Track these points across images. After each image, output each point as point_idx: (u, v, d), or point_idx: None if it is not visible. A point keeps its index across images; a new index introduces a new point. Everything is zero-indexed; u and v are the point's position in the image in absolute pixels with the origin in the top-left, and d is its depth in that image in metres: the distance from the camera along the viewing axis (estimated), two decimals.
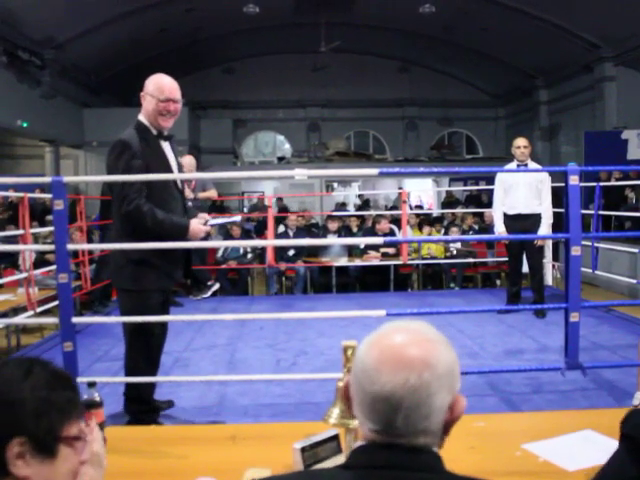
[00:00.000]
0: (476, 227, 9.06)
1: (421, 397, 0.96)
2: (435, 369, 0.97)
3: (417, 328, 1.03)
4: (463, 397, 1.01)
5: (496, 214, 5.97)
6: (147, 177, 2.97)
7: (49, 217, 10.70)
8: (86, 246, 5.55)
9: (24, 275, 5.18)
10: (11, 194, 7.11)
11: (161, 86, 2.99)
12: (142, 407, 3.14)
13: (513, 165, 5.89)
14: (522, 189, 5.72)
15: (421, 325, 1.04)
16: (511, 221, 5.78)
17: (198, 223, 3.07)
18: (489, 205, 12.99)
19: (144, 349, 3.11)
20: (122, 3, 12.80)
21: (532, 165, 5.85)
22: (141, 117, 3.05)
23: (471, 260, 8.25)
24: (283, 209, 12.69)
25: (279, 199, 14.76)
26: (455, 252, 8.46)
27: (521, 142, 5.80)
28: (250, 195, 17.51)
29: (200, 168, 14.85)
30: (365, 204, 15.41)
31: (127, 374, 3.12)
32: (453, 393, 1.00)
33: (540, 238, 7.38)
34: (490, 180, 15.85)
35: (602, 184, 6.76)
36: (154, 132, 3.05)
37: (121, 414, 3.28)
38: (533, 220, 5.69)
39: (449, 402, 0.99)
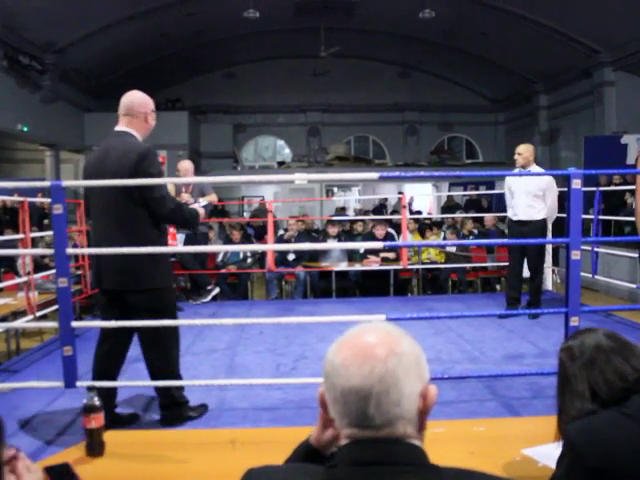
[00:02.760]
0: (476, 232, 9.06)
1: (389, 383, 1.00)
2: (400, 357, 1.02)
3: (381, 326, 1.08)
4: (434, 386, 1.05)
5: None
6: (141, 182, 3.03)
7: (46, 221, 10.69)
8: (86, 250, 5.54)
9: (24, 279, 5.18)
10: (11, 198, 7.11)
11: (149, 100, 3.25)
12: (178, 408, 3.24)
13: (516, 171, 5.94)
14: (522, 196, 5.81)
15: (386, 324, 1.09)
16: (514, 226, 5.91)
17: (198, 207, 3.46)
18: (489, 210, 13.04)
19: (176, 347, 3.26)
20: (123, 8, 12.83)
21: (535, 170, 5.85)
22: (134, 133, 3.19)
23: (469, 265, 8.25)
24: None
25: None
26: (450, 257, 8.48)
27: (517, 149, 5.88)
28: (250, 200, 17.50)
29: (200, 172, 14.87)
30: (378, 209, 15.31)
31: (165, 378, 3.17)
32: (423, 381, 1.04)
33: (540, 243, 7.40)
34: (490, 185, 15.90)
35: (602, 189, 6.77)
36: None
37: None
38: (532, 227, 5.76)
39: (419, 390, 1.03)
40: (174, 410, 3.23)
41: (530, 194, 5.75)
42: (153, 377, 3.21)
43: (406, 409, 1.01)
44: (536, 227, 5.77)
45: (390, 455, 0.99)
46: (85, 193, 3.34)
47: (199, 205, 3.54)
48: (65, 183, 3.19)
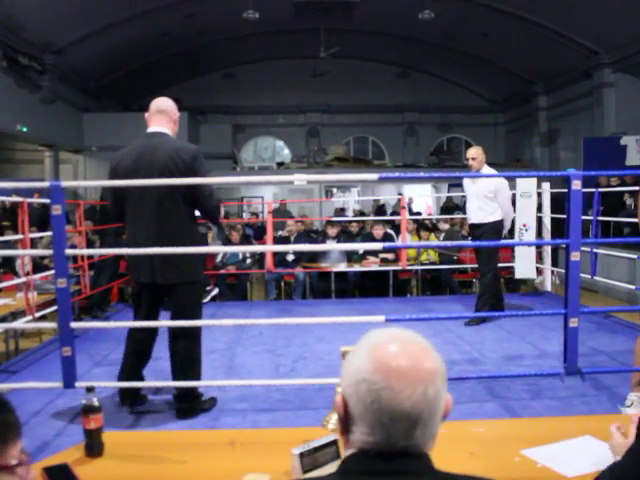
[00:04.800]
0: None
1: (436, 406, 0.99)
2: (441, 375, 1.00)
3: (408, 336, 1.04)
4: (450, 395, 1.04)
5: None
6: (146, 182, 3.09)
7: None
8: (85, 251, 5.54)
9: (23, 280, 5.17)
10: (11, 199, 7.11)
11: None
12: (194, 399, 3.39)
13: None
14: (473, 199, 5.85)
15: (408, 332, 1.05)
16: (470, 229, 6.05)
17: None
18: None
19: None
20: (122, 8, 12.83)
21: (486, 171, 5.82)
22: (170, 133, 3.38)
23: (455, 266, 8.25)
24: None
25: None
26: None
27: (471, 154, 5.86)
28: (249, 201, 17.48)
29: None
30: (378, 211, 15.28)
31: (194, 369, 3.38)
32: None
33: (541, 244, 7.40)
34: None
35: (601, 190, 6.77)
36: None
37: (118, 419, 3.28)
38: (482, 229, 5.78)
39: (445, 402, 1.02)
40: (190, 401, 3.34)
41: (481, 196, 5.76)
42: (180, 366, 3.36)
43: (439, 424, 1.01)
44: (486, 229, 5.75)
45: (404, 465, 0.98)
46: (115, 191, 3.34)
47: None
48: (64, 183, 3.19)
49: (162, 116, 3.32)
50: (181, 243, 3.16)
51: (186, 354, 3.36)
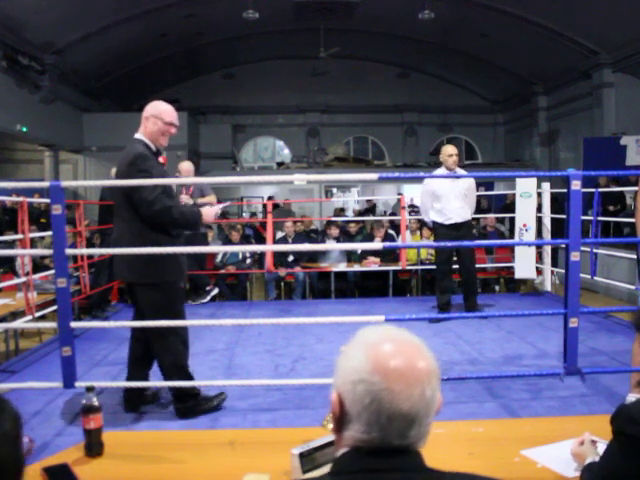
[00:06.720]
0: (475, 233, 9.05)
1: (431, 405, 0.99)
2: (436, 374, 1.01)
3: (402, 335, 1.04)
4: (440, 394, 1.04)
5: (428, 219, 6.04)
6: (148, 182, 3.11)
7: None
8: (85, 251, 5.54)
9: (23, 279, 5.17)
10: (11, 199, 7.11)
11: (165, 111, 3.34)
12: (195, 399, 3.37)
13: (441, 172, 5.87)
14: (451, 198, 5.77)
15: (401, 330, 1.05)
16: (447, 230, 5.81)
17: (208, 208, 3.45)
18: (488, 211, 13.05)
19: (182, 342, 3.37)
20: (122, 8, 12.83)
21: (459, 171, 5.84)
22: (141, 137, 3.32)
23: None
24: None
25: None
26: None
27: (453, 150, 5.76)
28: (249, 201, 17.48)
29: (199, 173, 14.84)
30: (370, 210, 15.28)
31: (173, 371, 3.33)
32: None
33: (541, 244, 7.40)
34: (489, 186, 15.88)
35: (601, 190, 6.77)
36: (153, 149, 3.35)
37: (118, 419, 3.28)
38: (466, 227, 5.84)
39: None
40: (188, 402, 3.34)
41: (461, 195, 5.76)
42: (161, 370, 3.37)
43: (432, 422, 1.01)
44: (469, 227, 5.92)
45: (397, 462, 0.98)
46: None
47: (219, 207, 3.68)
48: (64, 183, 3.20)
49: (142, 121, 3.37)
50: (133, 244, 3.19)
51: (160, 358, 3.38)
